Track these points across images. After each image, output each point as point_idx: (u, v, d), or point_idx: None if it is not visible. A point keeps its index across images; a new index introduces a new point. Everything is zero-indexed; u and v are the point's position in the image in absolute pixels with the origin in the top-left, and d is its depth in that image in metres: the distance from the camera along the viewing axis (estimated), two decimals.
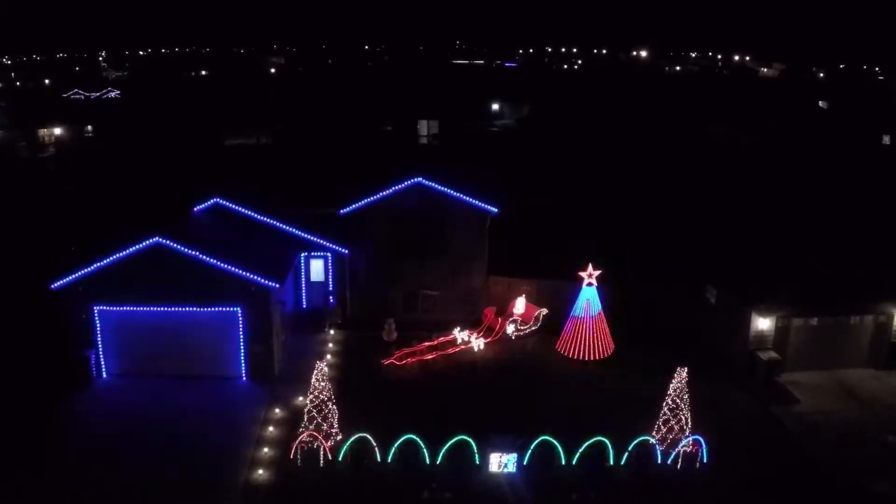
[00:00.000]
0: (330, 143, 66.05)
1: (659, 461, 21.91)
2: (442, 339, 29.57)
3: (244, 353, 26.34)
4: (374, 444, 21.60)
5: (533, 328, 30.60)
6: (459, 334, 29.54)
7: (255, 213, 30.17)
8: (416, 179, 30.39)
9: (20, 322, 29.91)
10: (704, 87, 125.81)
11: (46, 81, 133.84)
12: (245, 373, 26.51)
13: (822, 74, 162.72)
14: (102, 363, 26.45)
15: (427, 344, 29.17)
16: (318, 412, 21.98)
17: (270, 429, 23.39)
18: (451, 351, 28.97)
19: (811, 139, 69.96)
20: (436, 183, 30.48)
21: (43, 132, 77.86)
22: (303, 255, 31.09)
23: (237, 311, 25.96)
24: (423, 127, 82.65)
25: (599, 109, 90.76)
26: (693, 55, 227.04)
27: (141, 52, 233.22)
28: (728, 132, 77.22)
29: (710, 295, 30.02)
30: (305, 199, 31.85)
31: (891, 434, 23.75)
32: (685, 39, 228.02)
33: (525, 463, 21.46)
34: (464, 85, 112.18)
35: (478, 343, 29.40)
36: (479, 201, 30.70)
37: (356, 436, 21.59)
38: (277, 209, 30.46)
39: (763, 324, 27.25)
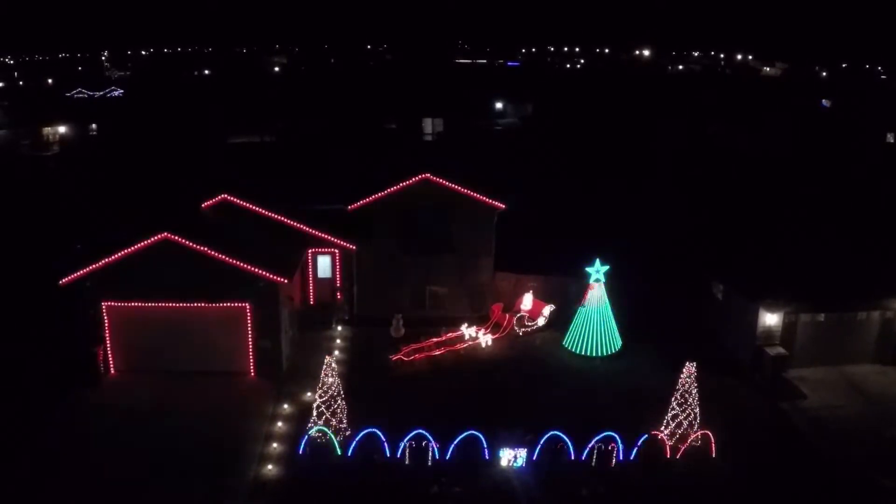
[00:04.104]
0: (335, 140, 66.03)
1: (668, 456, 21.94)
2: (450, 335, 29.60)
3: (252, 348, 26.39)
4: (384, 438, 21.65)
5: (540, 324, 30.62)
6: (467, 330, 29.58)
7: (262, 209, 30.19)
8: (423, 175, 30.42)
9: (28, 319, 29.93)
10: (706, 85, 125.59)
11: (49, 81, 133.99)
12: (253, 368, 26.55)
13: (824, 74, 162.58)
14: (111, 359, 26.49)
15: (435, 340, 29.21)
16: (327, 407, 22.04)
17: (279, 424, 23.43)
18: (458, 347, 29.02)
19: (813, 137, 69.85)
20: (443, 179, 30.50)
21: (47, 131, 78.05)
22: (310, 251, 31.10)
23: (245, 306, 26.02)
24: (428, 125, 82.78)
25: (602, 108, 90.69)
26: (695, 54, 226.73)
27: (143, 52, 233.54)
28: (728, 130, 77.02)
29: (717, 291, 30.04)
30: (312, 195, 31.82)
31: None
32: (687, 38, 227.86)
33: (534, 458, 21.51)
34: (468, 83, 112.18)
35: (485, 339, 29.44)
36: (487, 197, 30.73)
37: (365, 431, 21.66)
38: (285, 205, 30.45)
39: (770, 319, 27.24)
